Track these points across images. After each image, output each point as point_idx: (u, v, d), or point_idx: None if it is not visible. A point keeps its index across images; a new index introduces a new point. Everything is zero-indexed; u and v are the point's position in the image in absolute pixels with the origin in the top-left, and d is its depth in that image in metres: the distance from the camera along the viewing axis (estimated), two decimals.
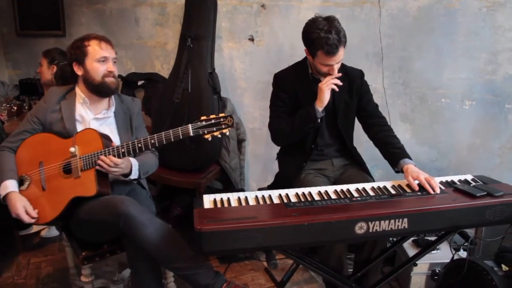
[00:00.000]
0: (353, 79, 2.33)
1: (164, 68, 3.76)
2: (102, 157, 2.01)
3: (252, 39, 3.39)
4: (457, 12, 2.81)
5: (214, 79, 3.24)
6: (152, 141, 2.02)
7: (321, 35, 2.05)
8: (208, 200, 1.84)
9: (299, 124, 2.24)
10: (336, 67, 2.16)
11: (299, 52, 2.25)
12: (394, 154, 2.16)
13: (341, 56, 2.13)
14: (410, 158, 2.12)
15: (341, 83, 2.17)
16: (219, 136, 2.00)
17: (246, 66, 3.47)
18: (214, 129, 1.97)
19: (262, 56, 3.39)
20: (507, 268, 2.18)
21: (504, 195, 1.87)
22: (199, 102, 3.20)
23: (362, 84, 2.36)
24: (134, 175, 2.18)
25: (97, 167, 2.03)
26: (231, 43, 3.46)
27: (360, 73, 2.39)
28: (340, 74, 2.17)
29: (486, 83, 2.83)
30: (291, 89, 2.31)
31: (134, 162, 2.18)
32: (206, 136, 1.98)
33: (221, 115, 1.99)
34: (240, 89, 3.53)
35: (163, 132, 2.01)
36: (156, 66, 3.82)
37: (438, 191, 1.91)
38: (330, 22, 2.10)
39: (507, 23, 2.70)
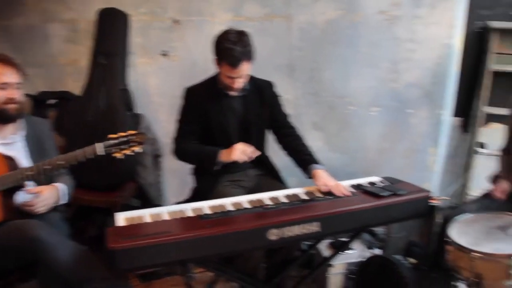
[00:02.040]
0: (263, 90, 2.37)
1: (77, 86, 3.62)
2: (27, 203, 1.95)
3: (165, 54, 3.38)
4: (360, 25, 2.98)
5: (127, 96, 3.20)
6: (60, 162, 1.95)
7: (227, 46, 2.09)
8: (120, 218, 1.81)
9: (199, 159, 2.28)
10: (239, 81, 2.18)
11: (213, 66, 2.27)
12: (304, 161, 2.25)
13: (245, 71, 2.16)
14: (319, 164, 2.21)
15: (254, 157, 2.17)
16: (132, 154, 1.96)
17: (161, 82, 3.45)
18: (124, 147, 1.93)
19: (177, 71, 3.39)
20: (414, 261, 2.34)
21: (408, 193, 2.01)
22: (113, 120, 3.14)
23: (272, 95, 2.41)
24: (63, 199, 2.13)
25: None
26: (145, 58, 3.43)
27: (270, 84, 2.43)
28: (259, 153, 2.18)
29: (389, 90, 3.01)
30: (200, 104, 2.30)
31: (62, 187, 2.12)
32: (118, 155, 1.94)
33: (130, 132, 1.95)
34: (155, 105, 3.50)
35: (69, 153, 1.95)
36: (68, 84, 3.68)
37: (347, 193, 2.01)
38: (240, 35, 2.13)
39: (403, 35, 2.90)
